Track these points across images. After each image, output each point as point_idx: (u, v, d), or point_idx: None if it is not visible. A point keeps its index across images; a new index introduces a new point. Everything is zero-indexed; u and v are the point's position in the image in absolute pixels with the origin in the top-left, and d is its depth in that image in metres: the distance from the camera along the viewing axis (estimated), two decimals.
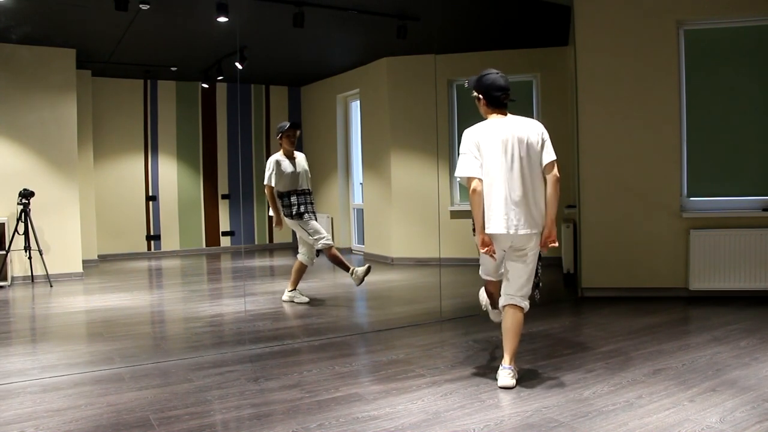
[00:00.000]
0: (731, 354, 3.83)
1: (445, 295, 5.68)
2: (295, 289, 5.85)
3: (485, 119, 3.49)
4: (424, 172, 7.95)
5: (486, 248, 3.36)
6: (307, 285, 6.72)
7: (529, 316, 3.60)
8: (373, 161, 8.28)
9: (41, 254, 6.68)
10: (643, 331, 4.45)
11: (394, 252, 8.00)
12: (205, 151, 8.68)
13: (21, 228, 6.53)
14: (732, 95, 5.68)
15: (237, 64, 6.73)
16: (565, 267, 6.44)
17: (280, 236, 8.88)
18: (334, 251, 5.74)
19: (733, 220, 5.48)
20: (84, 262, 7.40)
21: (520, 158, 3.33)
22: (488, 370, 3.62)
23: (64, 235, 7.08)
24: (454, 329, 4.79)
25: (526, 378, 3.47)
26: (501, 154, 3.33)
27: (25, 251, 6.58)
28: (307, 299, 5.81)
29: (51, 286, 6.62)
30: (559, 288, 6.36)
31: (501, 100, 3.43)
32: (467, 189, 3.38)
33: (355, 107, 8.56)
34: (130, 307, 5.83)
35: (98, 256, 8.12)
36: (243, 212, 8.54)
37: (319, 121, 8.74)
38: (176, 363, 3.95)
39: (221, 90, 8.71)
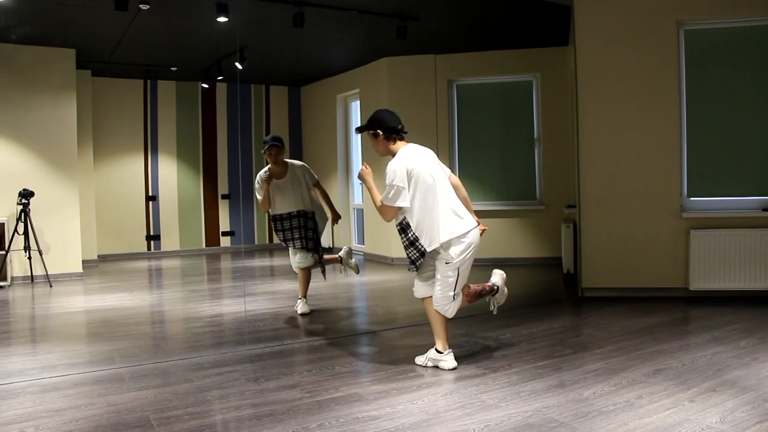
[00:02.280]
0: (731, 354, 3.83)
1: None
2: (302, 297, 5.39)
3: (387, 154, 3.76)
4: None
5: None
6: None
7: (529, 316, 3.60)
8: (373, 161, 8.27)
9: (41, 254, 6.68)
10: (643, 331, 4.45)
11: (394, 252, 7.99)
12: (205, 151, 8.68)
13: (21, 228, 6.53)
14: (732, 95, 5.68)
15: (237, 64, 6.73)
16: (565, 267, 6.45)
17: None
18: (299, 272, 5.30)
19: (733, 220, 5.48)
20: (84, 262, 7.40)
21: (440, 173, 3.72)
22: (488, 370, 3.62)
23: (63, 235, 7.09)
24: (455, 329, 4.78)
25: (526, 378, 3.47)
26: (429, 177, 3.62)
27: (25, 251, 6.57)
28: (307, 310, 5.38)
29: (51, 286, 6.62)
30: (559, 288, 6.37)
31: (399, 130, 3.73)
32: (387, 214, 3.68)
33: (355, 107, 8.55)
34: (130, 307, 5.83)
35: (98, 256, 8.12)
36: (243, 212, 8.54)
37: (319, 121, 8.73)
38: (176, 363, 3.95)
39: (221, 90, 8.70)
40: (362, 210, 8.31)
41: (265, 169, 5.16)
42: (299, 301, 5.40)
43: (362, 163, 3.90)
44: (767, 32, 5.55)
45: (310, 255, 5.28)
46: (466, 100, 8.07)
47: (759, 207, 5.50)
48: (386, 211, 3.67)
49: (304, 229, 5.21)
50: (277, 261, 8.27)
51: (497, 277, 4.16)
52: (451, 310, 3.70)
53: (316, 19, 6.21)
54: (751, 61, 5.63)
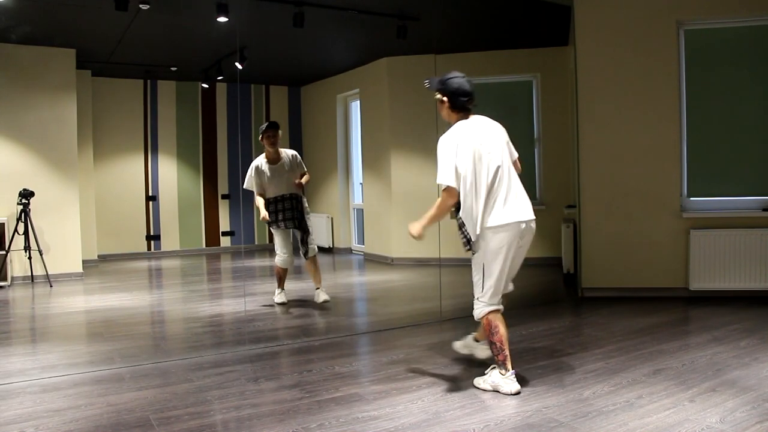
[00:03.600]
0: (731, 354, 3.83)
1: (445, 295, 5.68)
2: (319, 288, 5.81)
3: (448, 121, 3.49)
4: (424, 172, 7.94)
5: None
6: (307, 285, 6.72)
7: (529, 316, 3.60)
8: (373, 161, 8.28)
9: (41, 254, 6.67)
10: (643, 331, 4.45)
11: (394, 252, 8.00)
12: (205, 151, 8.68)
13: (21, 228, 6.53)
14: (732, 95, 5.67)
15: (237, 64, 6.73)
16: (565, 267, 6.44)
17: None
18: (278, 269, 5.75)
19: (733, 220, 5.48)
20: (84, 262, 7.40)
21: (502, 155, 3.35)
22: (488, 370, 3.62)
23: (64, 235, 7.08)
24: (454, 329, 4.78)
25: (526, 378, 3.47)
26: (484, 155, 3.30)
27: (25, 251, 6.57)
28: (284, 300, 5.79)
29: (51, 286, 6.62)
30: (559, 288, 6.37)
31: (466, 107, 3.44)
32: (443, 193, 3.34)
33: (355, 107, 8.56)
34: (130, 307, 5.83)
35: (98, 256, 8.12)
36: (243, 212, 8.54)
37: (319, 121, 8.74)
38: (176, 363, 3.95)
39: (221, 90, 8.70)
40: (362, 210, 8.31)
41: (261, 157, 5.60)
42: (279, 291, 5.80)
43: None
44: (767, 32, 5.55)
45: (291, 258, 5.76)
46: None
47: (759, 207, 5.50)
48: (444, 194, 3.31)
49: (292, 210, 5.62)
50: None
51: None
52: (476, 311, 3.40)
53: (316, 19, 6.21)
54: (751, 61, 5.63)
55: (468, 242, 3.37)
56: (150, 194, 8.57)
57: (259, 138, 5.61)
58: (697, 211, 5.60)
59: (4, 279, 6.48)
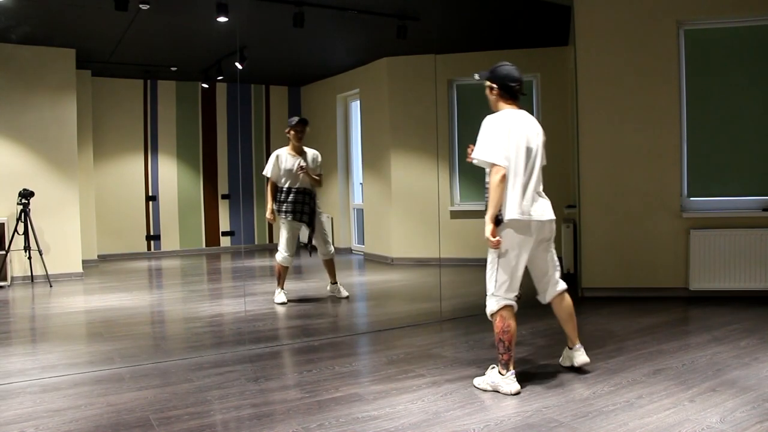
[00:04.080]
0: (731, 354, 3.83)
1: (445, 295, 5.68)
2: (335, 283, 6.04)
3: (496, 110, 3.46)
4: (424, 172, 7.95)
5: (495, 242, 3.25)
6: (307, 285, 6.73)
7: (529, 316, 3.60)
8: (373, 161, 8.28)
9: (41, 254, 6.67)
10: (643, 331, 4.45)
11: (394, 252, 7.99)
12: (205, 151, 8.67)
13: (21, 228, 6.53)
14: (732, 95, 5.67)
15: (237, 64, 6.73)
16: (565, 267, 6.44)
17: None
18: (278, 267, 5.82)
19: (733, 220, 5.48)
20: (84, 262, 7.40)
21: (537, 154, 3.38)
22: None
23: (63, 235, 7.08)
24: (454, 329, 4.79)
25: (526, 378, 3.47)
26: (523, 147, 3.32)
27: (25, 251, 6.57)
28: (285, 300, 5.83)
29: (51, 286, 6.62)
30: None
31: (515, 91, 3.44)
32: (490, 173, 3.27)
33: (355, 107, 8.55)
34: (130, 307, 5.83)
35: (98, 256, 8.11)
36: (243, 212, 8.53)
37: (319, 121, 8.73)
38: (176, 363, 3.95)
39: (221, 90, 8.70)
40: (362, 210, 8.31)
41: (285, 148, 5.81)
42: (279, 291, 5.82)
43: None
44: (767, 32, 5.55)
45: (292, 258, 5.86)
46: (466, 100, 8.07)
47: (759, 207, 5.50)
48: (497, 175, 3.21)
49: (303, 204, 5.76)
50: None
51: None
52: (489, 307, 3.39)
53: (316, 19, 6.21)
54: (751, 61, 5.63)
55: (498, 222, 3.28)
56: (150, 194, 8.56)
57: (286, 130, 5.83)
58: (697, 211, 5.60)
59: (4, 279, 6.48)
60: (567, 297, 3.60)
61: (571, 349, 3.61)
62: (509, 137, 3.29)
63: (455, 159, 8.07)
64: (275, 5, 5.98)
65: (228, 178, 8.62)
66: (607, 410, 2.97)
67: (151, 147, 8.66)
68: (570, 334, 3.61)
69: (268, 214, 5.79)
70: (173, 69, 8.26)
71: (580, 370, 3.59)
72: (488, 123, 3.36)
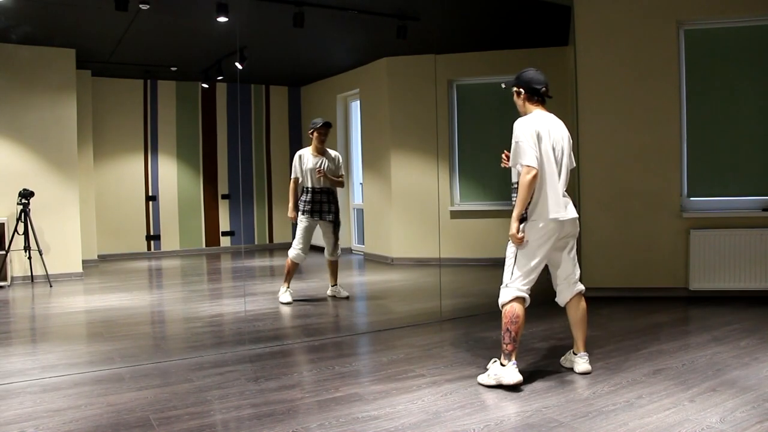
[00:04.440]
0: (731, 354, 3.83)
1: (445, 295, 5.68)
2: (335, 285, 6.06)
3: (524, 114, 3.53)
4: (424, 172, 7.95)
5: (520, 240, 3.36)
6: (307, 285, 6.72)
7: (529, 316, 3.60)
8: (373, 161, 8.28)
9: (41, 254, 6.67)
10: (643, 331, 4.45)
11: (394, 252, 8.00)
12: (205, 151, 8.68)
13: (21, 228, 6.53)
14: (732, 95, 5.68)
15: (237, 64, 6.73)
16: None
17: (280, 236, 8.88)
18: (289, 262, 5.84)
19: (733, 220, 5.48)
20: (84, 262, 7.40)
21: (563, 155, 3.45)
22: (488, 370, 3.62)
23: (63, 235, 7.08)
24: (454, 329, 4.79)
25: (526, 378, 3.46)
26: (551, 149, 3.39)
27: (25, 251, 6.57)
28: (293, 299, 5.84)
29: (51, 286, 6.62)
30: None
31: (542, 93, 3.53)
32: (521, 173, 3.32)
33: (355, 107, 8.56)
34: (130, 307, 5.83)
35: (98, 256, 8.12)
36: (243, 212, 8.54)
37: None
38: (176, 363, 3.95)
39: (221, 90, 8.71)
40: (362, 210, 8.31)
41: (308, 148, 5.89)
42: (284, 289, 5.82)
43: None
44: (767, 32, 5.55)
45: (305, 255, 5.87)
46: (466, 100, 8.07)
47: (759, 207, 5.50)
48: (529, 176, 3.29)
49: (328, 203, 5.86)
50: (277, 261, 8.27)
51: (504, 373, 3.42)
52: (502, 297, 3.45)
53: (316, 19, 6.21)
54: (751, 61, 5.63)
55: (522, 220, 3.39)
56: (150, 194, 8.57)
57: (310, 131, 5.91)
58: (697, 211, 5.60)
59: (4, 279, 6.48)
60: (583, 301, 3.62)
61: (576, 354, 3.61)
62: (539, 139, 3.37)
63: (455, 159, 8.07)
64: (275, 5, 5.99)
65: (228, 178, 8.63)
66: (607, 410, 2.97)
67: (151, 147, 8.67)
68: (578, 339, 3.61)
69: (289, 213, 5.91)
70: (173, 69, 8.27)
71: (573, 371, 3.59)
72: (519, 126, 3.43)
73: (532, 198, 3.36)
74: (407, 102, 8.08)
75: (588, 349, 3.76)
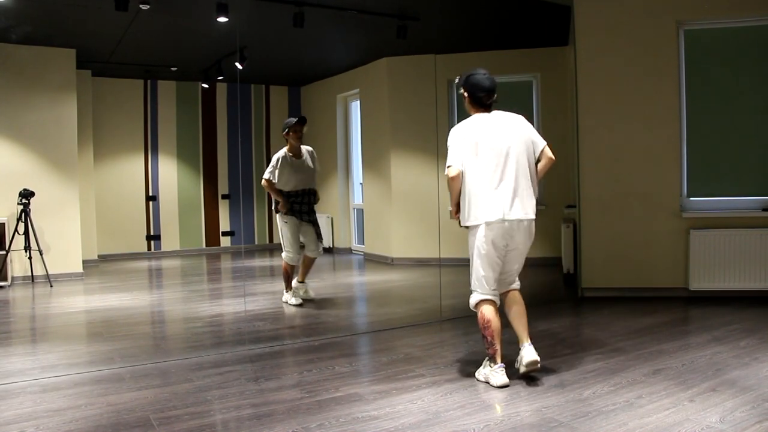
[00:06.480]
0: (731, 354, 3.83)
1: (445, 295, 5.68)
2: (304, 282, 5.96)
3: (469, 114, 3.61)
4: (424, 172, 7.94)
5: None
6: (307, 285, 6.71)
7: (529, 316, 3.60)
8: (373, 161, 8.28)
9: (41, 254, 6.67)
10: (643, 331, 4.45)
11: (394, 252, 7.99)
12: (205, 151, 8.67)
13: (21, 228, 6.53)
14: (732, 95, 5.68)
15: (237, 64, 6.73)
16: (565, 267, 6.44)
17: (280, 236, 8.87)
18: (285, 266, 5.80)
19: (733, 220, 5.48)
20: (84, 262, 7.40)
21: (512, 152, 3.41)
22: None
23: (64, 235, 7.08)
24: (454, 329, 4.79)
25: (526, 378, 3.47)
26: (489, 150, 3.40)
27: (25, 251, 6.57)
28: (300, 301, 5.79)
29: (51, 286, 6.62)
30: (559, 288, 6.36)
31: (483, 102, 3.54)
32: (447, 176, 3.51)
33: (355, 107, 8.55)
34: (130, 307, 5.83)
35: (98, 256, 8.12)
36: (243, 212, 8.54)
37: (319, 121, 8.73)
38: (176, 363, 3.95)
39: (221, 90, 8.70)
40: (362, 210, 8.31)
41: (285, 149, 5.69)
42: (290, 293, 5.79)
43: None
44: (767, 32, 5.55)
45: (299, 255, 5.84)
46: None
47: (759, 207, 5.50)
48: (448, 177, 3.48)
49: (307, 204, 5.79)
50: (277, 261, 8.26)
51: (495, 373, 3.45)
52: (470, 300, 3.54)
53: (316, 19, 6.21)
54: (751, 61, 5.64)
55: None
56: (150, 194, 8.57)
57: (284, 132, 5.70)
58: (697, 211, 5.59)
59: (4, 279, 6.48)
60: (518, 294, 3.60)
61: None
62: (461, 143, 3.44)
63: None
64: (275, 5, 5.99)
65: (228, 178, 8.62)
66: (607, 410, 2.97)
67: (151, 147, 8.67)
68: (520, 332, 3.54)
69: (280, 206, 5.70)
70: (173, 69, 8.26)
71: (580, 372, 3.59)
72: (451, 131, 3.54)
73: (471, 204, 3.42)
74: (407, 102, 8.08)
75: (588, 349, 3.78)
